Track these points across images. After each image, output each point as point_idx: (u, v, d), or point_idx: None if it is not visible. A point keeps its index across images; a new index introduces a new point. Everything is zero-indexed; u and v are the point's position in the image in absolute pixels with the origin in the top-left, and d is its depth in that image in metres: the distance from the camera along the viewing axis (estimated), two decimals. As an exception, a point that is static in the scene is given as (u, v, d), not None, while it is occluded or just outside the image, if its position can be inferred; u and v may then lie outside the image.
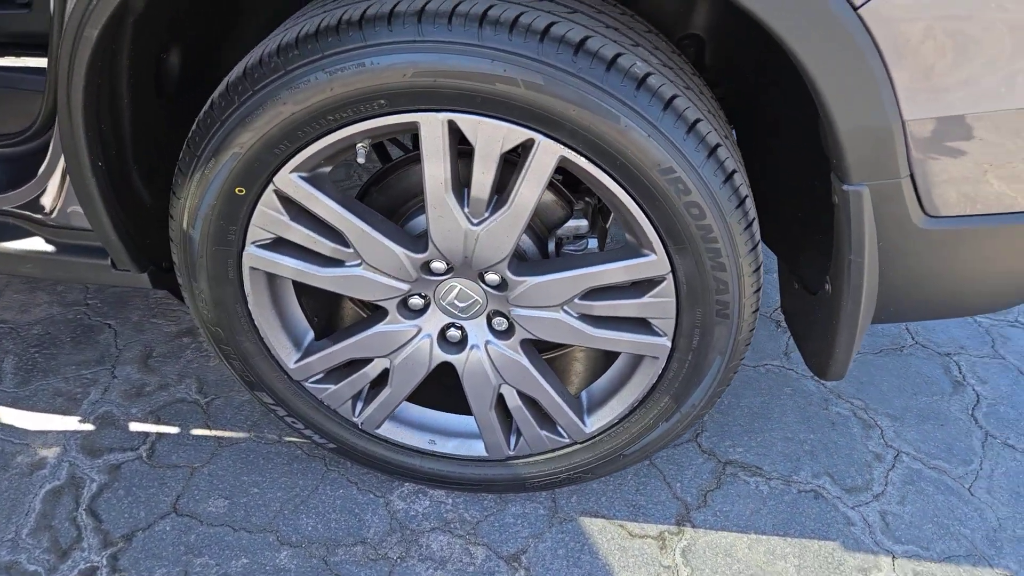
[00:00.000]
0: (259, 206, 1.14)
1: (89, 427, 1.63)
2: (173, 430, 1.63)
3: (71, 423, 1.64)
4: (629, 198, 1.05)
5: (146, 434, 1.62)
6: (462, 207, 1.12)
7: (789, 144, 1.32)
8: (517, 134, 1.02)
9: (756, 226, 1.10)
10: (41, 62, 1.38)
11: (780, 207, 1.36)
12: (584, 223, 1.24)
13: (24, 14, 1.37)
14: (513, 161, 1.09)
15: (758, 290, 1.16)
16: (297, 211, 1.16)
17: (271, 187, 1.12)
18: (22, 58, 1.38)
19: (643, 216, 1.06)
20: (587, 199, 1.28)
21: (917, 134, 0.95)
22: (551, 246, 1.27)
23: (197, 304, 1.28)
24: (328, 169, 1.15)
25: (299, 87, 1.01)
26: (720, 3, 1.28)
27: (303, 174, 1.11)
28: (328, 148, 1.08)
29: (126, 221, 1.28)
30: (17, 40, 1.42)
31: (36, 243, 1.38)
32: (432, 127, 1.03)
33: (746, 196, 1.07)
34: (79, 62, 1.02)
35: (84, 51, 1.01)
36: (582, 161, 1.03)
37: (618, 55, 0.97)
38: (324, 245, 1.19)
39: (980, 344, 1.95)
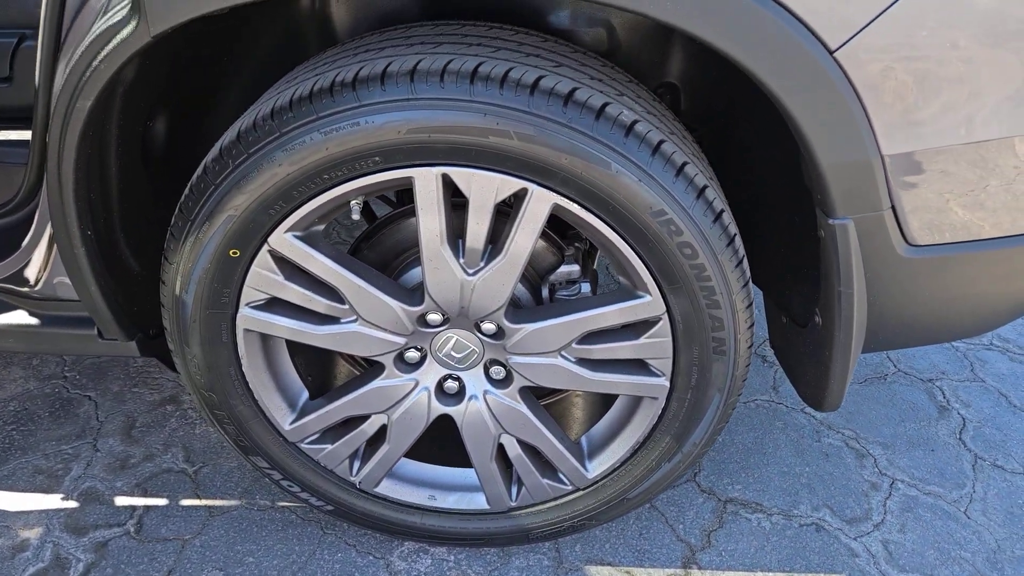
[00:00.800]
0: (253, 267, 1.14)
1: (73, 504, 1.58)
2: (161, 502, 1.58)
3: (54, 501, 1.58)
4: (623, 241, 1.07)
5: (133, 508, 1.57)
6: (457, 258, 1.13)
7: (766, 181, 1.36)
8: (510, 184, 1.04)
9: (746, 263, 1.13)
10: (21, 135, 1.38)
11: (763, 243, 1.40)
12: (576, 268, 1.26)
13: (4, 88, 1.37)
14: (505, 211, 1.11)
15: (751, 325, 1.18)
16: (291, 270, 1.16)
17: (265, 247, 1.12)
18: (2, 132, 1.38)
19: (637, 258, 1.09)
20: (576, 244, 1.30)
21: (895, 168, 1.00)
22: (544, 292, 1.28)
23: (189, 369, 1.26)
24: (322, 227, 1.16)
25: (294, 148, 1.02)
26: (694, 52, 1.34)
27: (297, 233, 1.12)
28: (323, 207, 1.09)
29: (114, 289, 1.26)
30: (-3, 114, 1.42)
31: (18, 316, 1.36)
32: (427, 181, 1.05)
33: (735, 234, 1.10)
34: (71, 133, 1.02)
35: (76, 122, 1.01)
36: (575, 208, 1.05)
37: (606, 104, 1.00)
38: (319, 303, 1.18)
39: (959, 368, 2.00)
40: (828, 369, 1.19)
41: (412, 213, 1.26)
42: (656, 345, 1.17)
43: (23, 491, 1.61)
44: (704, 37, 0.93)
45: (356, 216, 1.12)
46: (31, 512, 1.55)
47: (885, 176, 0.99)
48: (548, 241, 1.29)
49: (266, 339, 1.26)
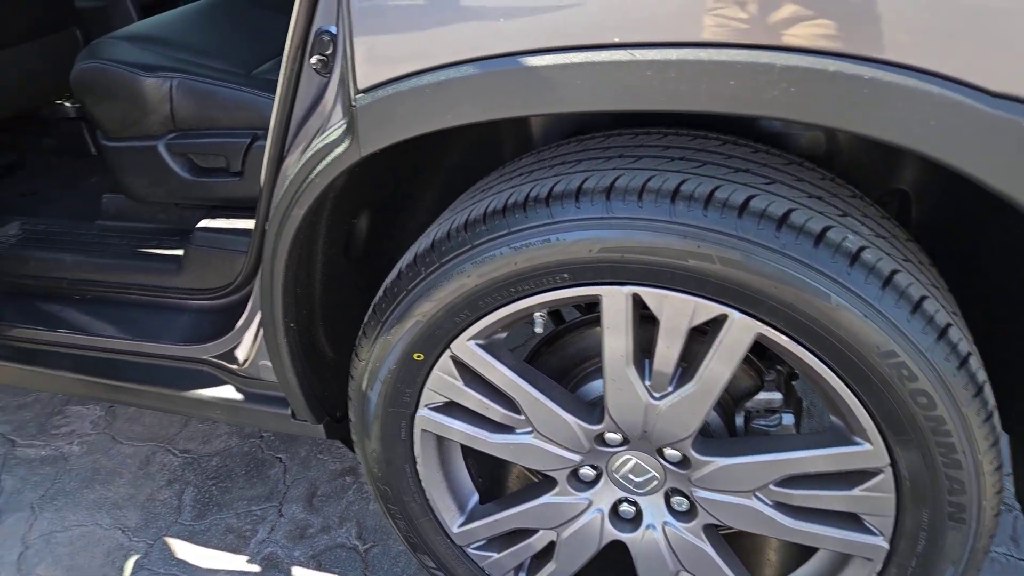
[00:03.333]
0: (435, 371, 1.13)
1: (255, 568, 1.65)
2: (332, 579, 1.61)
3: (239, 563, 1.67)
4: (840, 382, 0.93)
5: (306, 581, 1.61)
6: (643, 380, 1.04)
7: (1013, 301, 1.14)
8: (708, 309, 0.95)
9: (996, 417, 0.94)
10: (246, 224, 1.50)
11: (1007, 376, 1.17)
12: (778, 396, 1.12)
13: (235, 182, 1.51)
14: (700, 330, 1.01)
15: (1000, 491, 0.97)
16: (471, 376, 1.14)
17: (448, 353, 1.11)
18: (230, 220, 1.52)
19: (857, 402, 0.94)
20: (779, 367, 1.16)
21: None
22: (739, 420, 1.15)
23: (368, 461, 1.27)
24: (504, 336, 1.13)
25: (484, 261, 1.00)
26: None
27: (480, 341, 1.10)
28: (506, 318, 1.06)
29: (309, 376, 1.32)
30: (226, 204, 1.57)
31: (226, 391, 1.46)
32: (615, 301, 0.98)
33: (984, 382, 0.92)
34: (284, 236, 1.08)
35: (290, 228, 1.07)
36: (783, 340, 0.93)
37: (827, 228, 0.88)
38: (495, 411, 1.15)
39: None
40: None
41: (598, 322, 1.20)
42: (874, 500, 1.00)
43: (215, 548, 1.71)
44: (952, 163, 0.79)
45: (538, 329, 1.08)
46: (218, 571, 1.65)
47: None
48: (745, 362, 1.16)
49: (441, 440, 1.25)
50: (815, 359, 0.93)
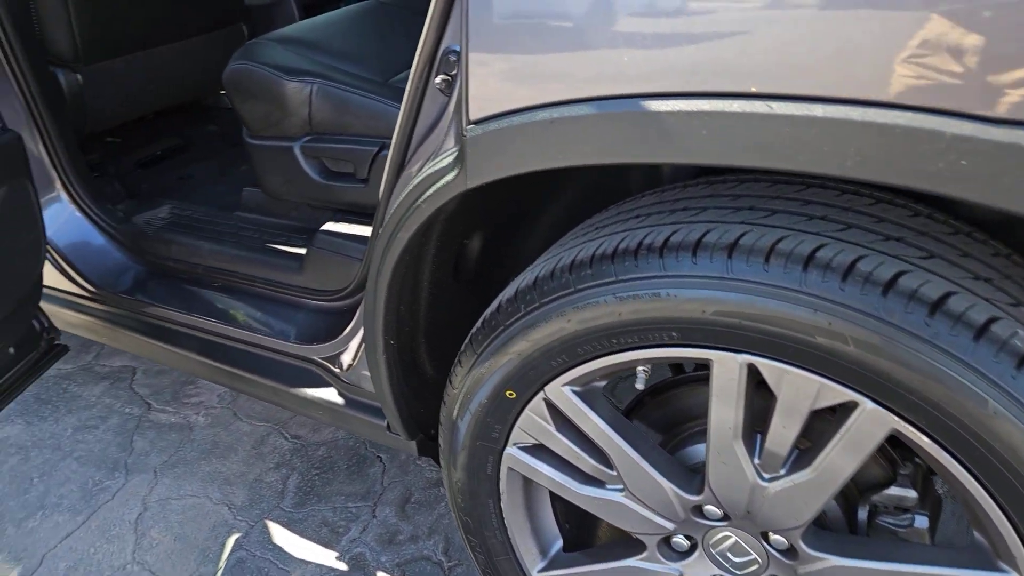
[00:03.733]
0: (526, 411, 1.08)
1: (342, 567, 1.68)
2: (412, 592, 1.61)
3: (328, 558, 1.70)
4: (990, 499, 0.78)
5: (388, 589, 1.61)
6: (752, 457, 0.94)
7: None
8: (835, 394, 0.83)
9: None
10: (365, 230, 1.52)
11: None
12: (912, 494, 0.97)
13: (361, 188, 1.53)
14: (824, 411, 0.89)
15: None
16: (563, 421, 1.08)
17: (541, 395, 1.05)
18: (352, 225, 1.53)
19: (1009, 527, 0.78)
20: (917, 459, 1.01)
21: None
22: (862, 514, 1.01)
23: (452, 489, 1.24)
24: (602, 384, 1.05)
25: (586, 307, 0.93)
26: None
27: (576, 388, 1.03)
28: (606, 368, 0.99)
29: (406, 393, 1.31)
30: (351, 208, 1.59)
31: (329, 393, 1.48)
32: (727, 369, 0.88)
33: None
34: (389, 257, 1.07)
35: (395, 249, 1.05)
36: (924, 440, 0.80)
37: (992, 320, 0.74)
38: (586, 462, 1.08)
39: None
40: None
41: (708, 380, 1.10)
42: (1019, 643, 0.84)
43: (308, 539, 1.76)
44: None
45: (640, 386, 1.00)
46: (309, 564, 1.68)
47: None
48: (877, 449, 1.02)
49: (528, 480, 1.19)
50: (961, 468, 0.79)
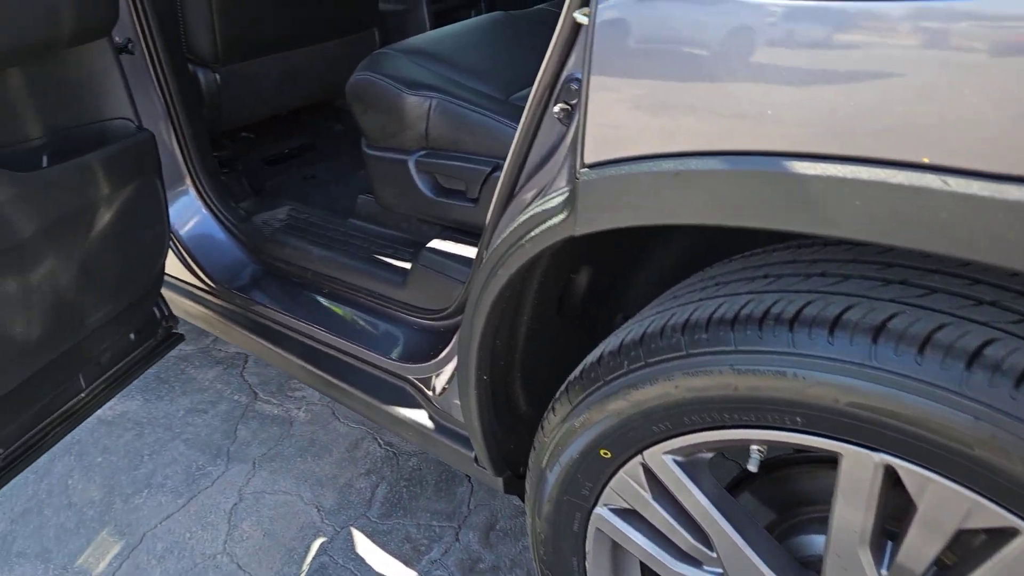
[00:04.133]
0: (621, 472, 0.99)
1: (419, 588, 1.65)
2: (487, 627, 1.55)
3: (407, 577, 1.68)
4: None
5: (462, 620, 1.57)
6: (878, 568, 0.81)
7: None
8: (992, 516, 0.69)
9: None
10: (470, 251, 1.47)
11: None
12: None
13: (470, 207, 1.48)
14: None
15: None
16: (661, 490, 0.98)
17: (639, 458, 0.96)
18: (458, 245, 1.49)
19: None
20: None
21: None
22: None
23: (535, 538, 1.17)
24: (709, 456, 0.95)
25: (698, 374, 0.83)
26: None
27: (678, 458, 0.93)
28: (715, 443, 0.88)
29: (496, 429, 1.25)
30: (459, 227, 1.55)
31: (420, 415, 1.45)
32: (859, 467, 0.76)
33: None
34: (487, 296, 1.01)
35: (495, 287, 0.99)
36: (1107, 593, 0.65)
37: None
38: (682, 538, 0.98)
39: None
40: None
41: (834, 463, 0.97)
42: None
43: (390, 554, 1.74)
44: None
45: (753, 468, 0.89)
46: (387, 580, 1.67)
47: None
48: (1036, 572, 0.86)
49: (617, 544, 1.10)
50: None
